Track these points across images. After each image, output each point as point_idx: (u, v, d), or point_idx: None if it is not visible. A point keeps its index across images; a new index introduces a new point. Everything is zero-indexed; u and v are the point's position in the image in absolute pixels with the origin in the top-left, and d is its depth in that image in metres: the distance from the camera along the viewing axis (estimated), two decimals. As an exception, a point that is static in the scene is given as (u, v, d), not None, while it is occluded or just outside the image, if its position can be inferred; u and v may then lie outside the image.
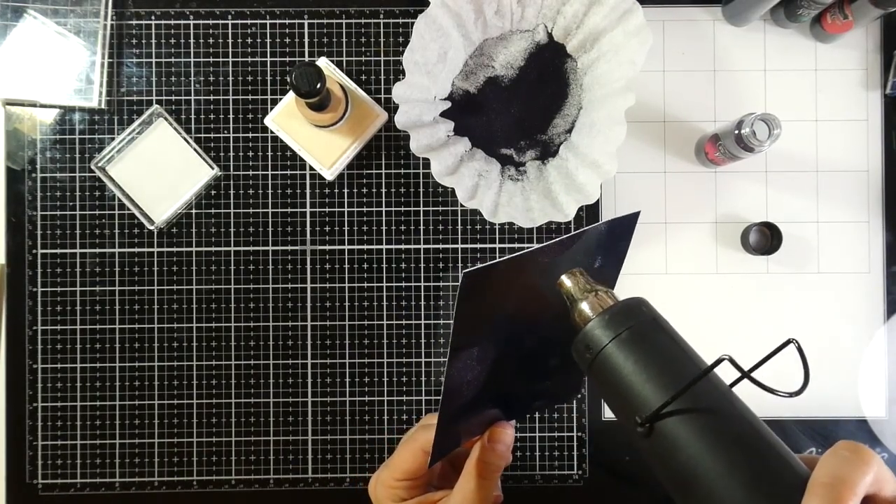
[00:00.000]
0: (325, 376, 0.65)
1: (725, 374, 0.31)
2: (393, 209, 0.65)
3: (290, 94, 0.63)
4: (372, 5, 0.65)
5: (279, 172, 0.65)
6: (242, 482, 0.64)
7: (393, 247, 0.65)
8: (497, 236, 0.65)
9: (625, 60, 0.58)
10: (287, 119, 0.62)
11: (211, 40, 0.65)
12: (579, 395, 0.65)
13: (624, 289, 0.64)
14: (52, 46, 0.64)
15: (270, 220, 0.65)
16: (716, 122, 0.65)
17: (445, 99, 0.62)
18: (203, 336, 0.64)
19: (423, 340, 0.65)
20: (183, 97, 0.65)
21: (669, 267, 0.66)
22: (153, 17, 0.65)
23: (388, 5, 0.65)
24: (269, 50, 0.65)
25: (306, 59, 0.65)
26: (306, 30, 0.65)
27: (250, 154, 0.65)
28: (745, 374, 0.30)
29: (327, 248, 0.65)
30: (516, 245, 0.65)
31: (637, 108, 0.62)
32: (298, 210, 0.65)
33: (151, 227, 0.64)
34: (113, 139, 0.64)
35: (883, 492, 0.28)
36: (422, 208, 0.65)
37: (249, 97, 0.65)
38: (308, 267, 0.65)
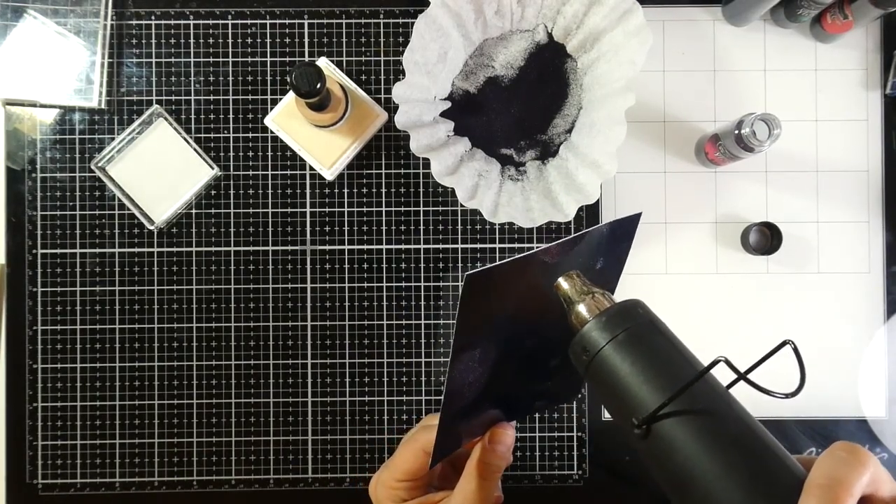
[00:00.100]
0: (325, 376, 0.65)
1: (723, 375, 0.31)
2: (393, 209, 0.65)
3: (290, 94, 0.63)
4: (372, 5, 0.65)
5: (279, 172, 0.65)
6: (242, 482, 0.64)
7: (393, 247, 0.65)
8: (497, 236, 0.65)
9: (625, 60, 0.58)
10: (287, 119, 0.62)
11: (211, 40, 0.65)
12: (580, 396, 0.65)
13: (624, 289, 0.64)
14: (52, 46, 0.64)
15: (270, 220, 0.65)
16: (716, 122, 0.65)
17: (445, 99, 0.62)
18: (203, 336, 0.64)
19: (423, 340, 0.65)
20: (183, 97, 0.65)
21: (669, 267, 0.65)
22: (153, 17, 0.65)
23: (388, 5, 0.65)
24: (269, 50, 0.65)
25: (306, 59, 0.65)
26: (306, 30, 0.65)
27: (250, 154, 0.65)
28: (742, 376, 0.30)
29: (327, 248, 0.65)
30: (516, 245, 0.65)
31: (637, 108, 0.62)
32: (298, 210, 0.65)
33: (151, 227, 0.64)
34: (113, 139, 0.64)
35: (879, 492, 0.28)
36: (422, 208, 0.65)
37: (249, 97, 0.65)
38: (308, 267, 0.65)
